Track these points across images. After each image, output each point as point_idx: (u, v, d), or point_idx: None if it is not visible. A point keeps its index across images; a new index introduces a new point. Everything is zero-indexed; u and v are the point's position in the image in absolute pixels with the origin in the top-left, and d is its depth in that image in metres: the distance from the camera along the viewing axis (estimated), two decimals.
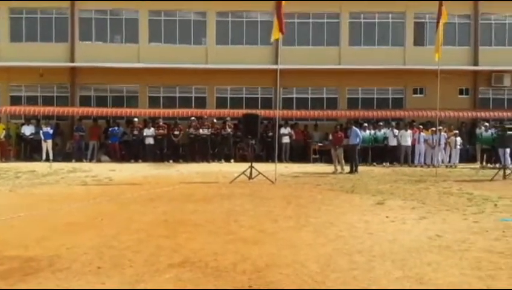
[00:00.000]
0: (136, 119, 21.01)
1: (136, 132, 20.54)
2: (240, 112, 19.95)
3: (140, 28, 23.33)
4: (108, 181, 13.71)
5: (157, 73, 22.76)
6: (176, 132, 20.45)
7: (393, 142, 20.16)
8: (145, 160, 19.92)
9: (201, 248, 6.24)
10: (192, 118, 20.74)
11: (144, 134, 20.31)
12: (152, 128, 20.35)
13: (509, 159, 17.31)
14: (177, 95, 23.66)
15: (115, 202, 10.06)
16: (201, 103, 23.45)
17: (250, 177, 13.71)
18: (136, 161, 20.07)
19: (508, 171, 15.03)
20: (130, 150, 20.81)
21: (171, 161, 19.92)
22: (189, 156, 20.45)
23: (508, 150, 17.14)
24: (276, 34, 13.98)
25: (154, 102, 23.40)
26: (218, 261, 5.60)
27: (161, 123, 20.56)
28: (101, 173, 15.42)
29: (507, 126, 18.34)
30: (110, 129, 21.07)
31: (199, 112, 21.83)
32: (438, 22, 16.46)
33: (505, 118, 22.00)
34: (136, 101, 23.47)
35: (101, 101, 23.41)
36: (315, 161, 20.73)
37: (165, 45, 23.29)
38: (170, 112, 21.92)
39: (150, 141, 20.23)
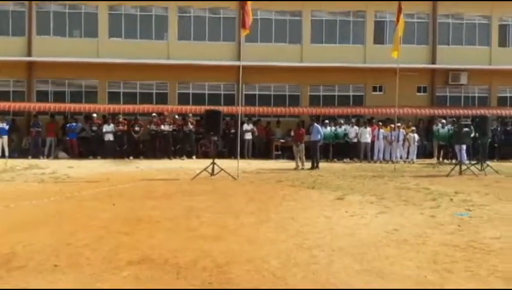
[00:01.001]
0: (95, 115, 20.61)
1: (94, 128, 20.16)
2: (202, 108, 19.83)
3: (99, 22, 22.83)
4: (66, 178, 13.38)
5: (117, 68, 22.35)
6: (137, 128, 20.16)
7: (353, 138, 20.47)
8: (104, 157, 19.54)
9: (161, 245, 6.17)
10: (154, 114, 20.49)
11: (103, 130, 19.93)
12: (112, 124, 20.01)
13: (465, 155, 17.82)
14: (138, 90, 23.29)
15: (73, 199, 9.83)
16: (162, 98, 23.16)
17: (212, 174, 13.66)
18: (95, 157, 19.67)
19: (463, 167, 15.46)
20: (88, 146, 20.39)
21: (131, 158, 19.63)
22: (150, 153, 20.20)
23: (464, 146, 17.66)
24: (245, 30, 14.04)
25: (113, 97, 22.96)
26: (178, 258, 5.54)
27: (121, 119, 20.25)
28: (59, 170, 15.02)
29: (463, 123, 18.95)
30: (68, 125, 20.61)
31: (160, 108, 21.58)
32: (397, 21, 16.80)
33: (461, 115, 22.67)
34: (95, 97, 22.98)
35: (59, 97, 22.80)
36: (277, 157, 20.83)
37: (125, 40, 22.88)
38: (130, 107, 21.59)
39: (109, 137, 19.88)
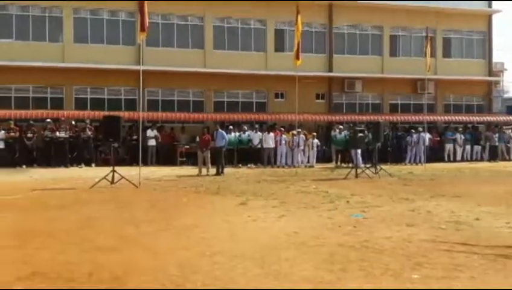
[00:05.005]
0: None
1: None
2: (102, 113, 19.06)
3: None
4: None
5: (6, 71, 20.82)
6: (29, 135, 18.95)
7: (257, 144, 20.78)
8: None
9: (53, 258, 5.84)
10: (48, 119, 19.41)
11: None
12: (2, 131, 18.66)
13: (360, 158, 18.71)
14: (31, 95, 21.93)
15: None
16: (58, 103, 21.99)
17: (112, 182, 13.16)
18: None
19: (359, 171, 16.25)
20: None
21: (24, 166, 18.42)
22: (44, 161, 19.07)
23: (359, 151, 18.53)
24: (142, 34, 13.77)
25: (4, 102, 21.37)
26: (72, 272, 5.26)
27: (12, 125, 18.94)
28: None
29: (358, 129, 19.92)
30: None
31: (56, 113, 20.49)
32: (295, 22, 17.23)
33: (357, 121, 23.85)
34: None
35: None
36: (182, 163, 20.58)
37: (16, 42, 21.48)
38: (22, 113, 20.29)
39: None
